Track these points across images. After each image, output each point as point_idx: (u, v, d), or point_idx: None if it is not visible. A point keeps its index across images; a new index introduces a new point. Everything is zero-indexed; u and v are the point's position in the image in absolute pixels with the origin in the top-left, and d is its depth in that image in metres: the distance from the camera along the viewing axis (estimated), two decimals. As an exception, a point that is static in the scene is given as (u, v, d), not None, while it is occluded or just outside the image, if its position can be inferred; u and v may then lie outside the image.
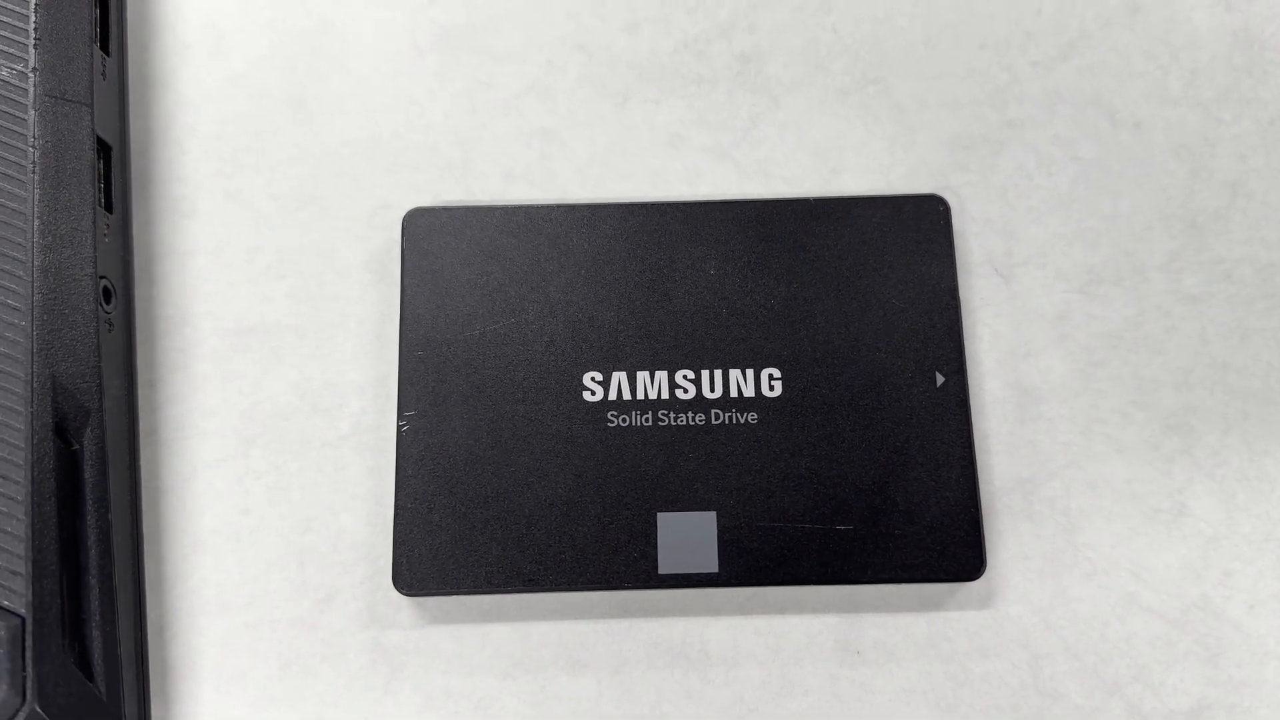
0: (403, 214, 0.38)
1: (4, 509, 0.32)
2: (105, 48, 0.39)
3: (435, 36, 0.40)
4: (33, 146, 0.35)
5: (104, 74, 0.38)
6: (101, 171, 0.37)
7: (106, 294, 0.36)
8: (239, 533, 0.36)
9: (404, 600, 0.36)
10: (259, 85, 0.40)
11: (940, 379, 0.36)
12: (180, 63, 0.40)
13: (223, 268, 0.38)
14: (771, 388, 0.36)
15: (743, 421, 0.36)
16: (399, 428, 0.36)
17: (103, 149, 0.38)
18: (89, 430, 0.34)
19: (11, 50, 0.36)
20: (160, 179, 0.39)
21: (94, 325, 0.35)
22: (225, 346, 0.38)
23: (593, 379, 0.36)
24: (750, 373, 0.36)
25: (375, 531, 0.36)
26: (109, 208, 0.38)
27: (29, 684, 0.31)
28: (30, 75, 0.36)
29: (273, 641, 0.36)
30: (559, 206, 0.38)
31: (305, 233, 0.39)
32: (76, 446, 0.34)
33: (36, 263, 0.34)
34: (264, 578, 0.36)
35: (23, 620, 0.32)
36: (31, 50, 0.36)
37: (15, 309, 0.34)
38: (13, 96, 0.36)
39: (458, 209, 0.38)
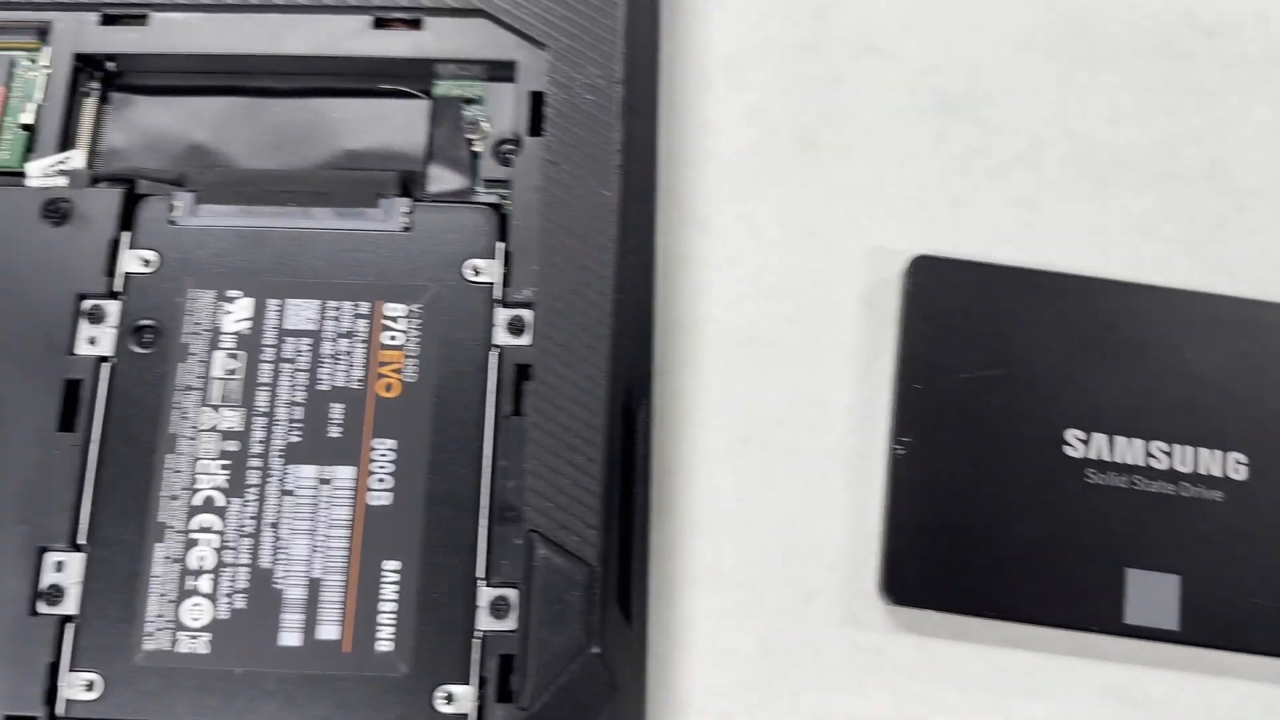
0: (896, 257, 0.41)
1: (585, 470, 0.36)
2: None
3: (936, 101, 0.44)
4: (618, 151, 0.39)
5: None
6: (648, 181, 0.41)
7: (653, 290, 0.40)
8: (734, 519, 0.40)
9: (880, 607, 0.39)
10: (773, 123, 0.44)
11: (1393, 484, 0.39)
12: (702, 91, 0.44)
13: (731, 282, 0.42)
14: (1236, 470, 0.39)
15: (1209, 498, 0.39)
16: (894, 451, 0.39)
17: (650, 160, 0.41)
18: (642, 409, 0.38)
19: (604, 60, 0.40)
20: (680, 194, 0.43)
21: (650, 315, 0.39)
22: (729, 353, 0.41)
23: (1075, 436, 0.39)
24: (1218, 454, 0.39)
25: (855, 541, 0.39)
26: (652, 212, 0.41)
27: (593, 628, 0.35)
28: (616, 86, 0.39)
29: (759, 623, 0.39)
30: (1053, 274, 0.41)
31: (807, 261, 0.42)
32: (635, 422, 0.37)
33: (616, 256, 0.38)
34: (754, 564, 0.39)
35: (592, 570, 0.35)
36: (619, 63, 0.40)
37: (603, 294, 0.37)
38: (602, 103, 0.39)
39: (959, 262, 0.41)
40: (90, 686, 0.35)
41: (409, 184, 0.40)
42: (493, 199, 0.40)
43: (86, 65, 0.41)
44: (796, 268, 0.42)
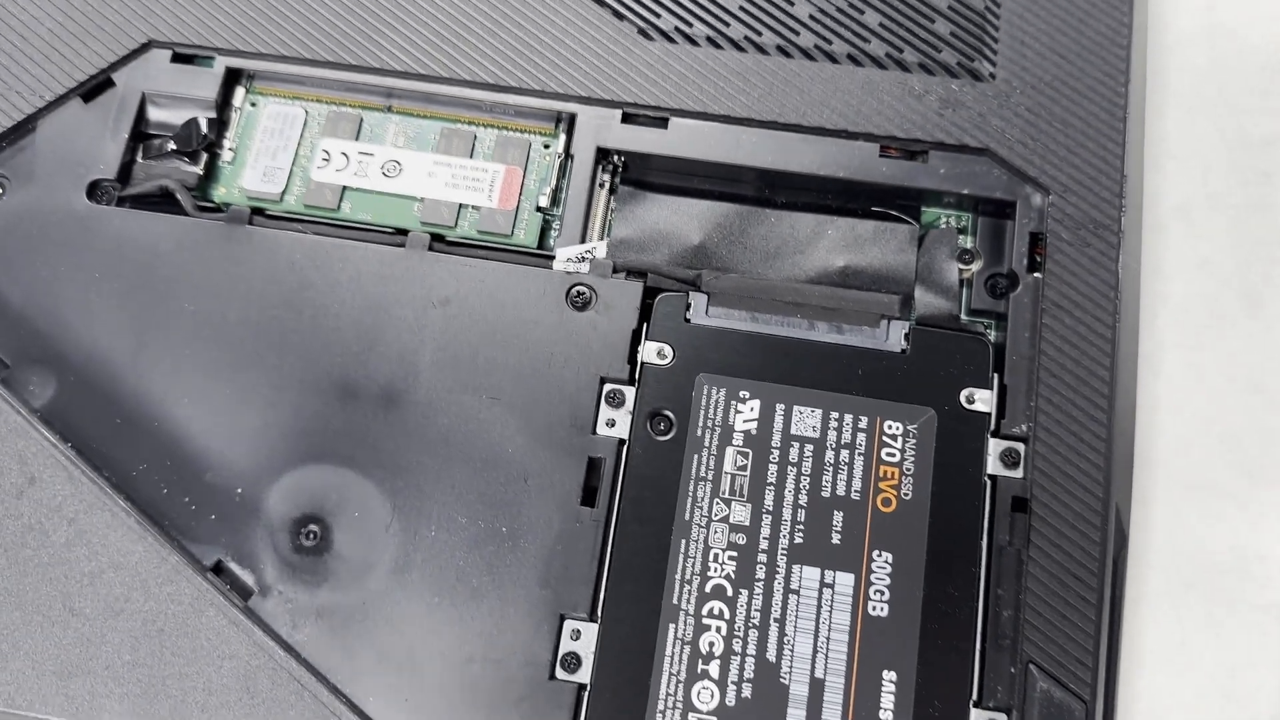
0: (1338, 422, 0.41)
1: (1083, 608, 0.36)
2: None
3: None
4: (1116, 295, 0.39)
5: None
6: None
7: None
8: (1175, 661, 0.39)
9: (1316, 764, 0.38)
10: (1221, 275, 0.44)
11: None
12: (1154, 236, 0.44)
13: (1179, 426, 0.42)
14: None
15: None
16: (1346, 616, 0.39)
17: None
18: (1125, 549, 0.38)
19: (1105, 204, 0.40)
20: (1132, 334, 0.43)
21: (1131, 455, 0.39)
22: (1176, 497, 0.41)
23: None
24: None
25: (1293, 696, 0.39)
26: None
27: (1085, 762, 0.35)
28: (1117, 233, 0.40)
29: (1198, 766, 0.39)
30: None
31: (1252, 415, 0.42)
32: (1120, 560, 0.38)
33: (1110, 399, 0.38)
34: (1192, 707, 0.39)
35: (1088, 706, 0.35)
36: (1120, 208, 0.40)
37: (1099, 437, 0.37)
38: (1102, 248, 0.39)
39: None
40: (600, 753, 0.35)
41: (906, 307, 0.40)
42: (978, 328, 0.40)
43: (600, 158, 0.42)
44: (1242, 420, 0.42)
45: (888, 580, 0.37)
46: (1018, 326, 0.39)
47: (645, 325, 0.40)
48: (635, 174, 0.42)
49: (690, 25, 0.42)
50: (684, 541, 0.37)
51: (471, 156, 0.42)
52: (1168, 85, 0.46)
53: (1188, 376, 0.43)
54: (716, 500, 0.38)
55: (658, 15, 0.43)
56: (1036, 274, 0.40)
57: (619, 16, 0.43)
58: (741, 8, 0.43)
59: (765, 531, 0.37)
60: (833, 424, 0.38)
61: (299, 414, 0.39)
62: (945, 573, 0.37)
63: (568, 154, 0.42)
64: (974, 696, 0.36)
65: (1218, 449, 0.42)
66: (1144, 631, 0.40)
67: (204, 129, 0.42)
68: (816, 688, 0.36)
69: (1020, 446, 0.38)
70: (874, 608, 0.37)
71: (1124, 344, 0.39)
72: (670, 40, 0.42)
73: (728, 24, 0.42)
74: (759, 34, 0.42)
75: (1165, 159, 0.45)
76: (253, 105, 0.43)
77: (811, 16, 0.42)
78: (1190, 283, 0.44)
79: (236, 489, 0.38)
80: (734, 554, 0.37)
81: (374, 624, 0.37)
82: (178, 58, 0.43)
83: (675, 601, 0.37)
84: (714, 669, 0.36)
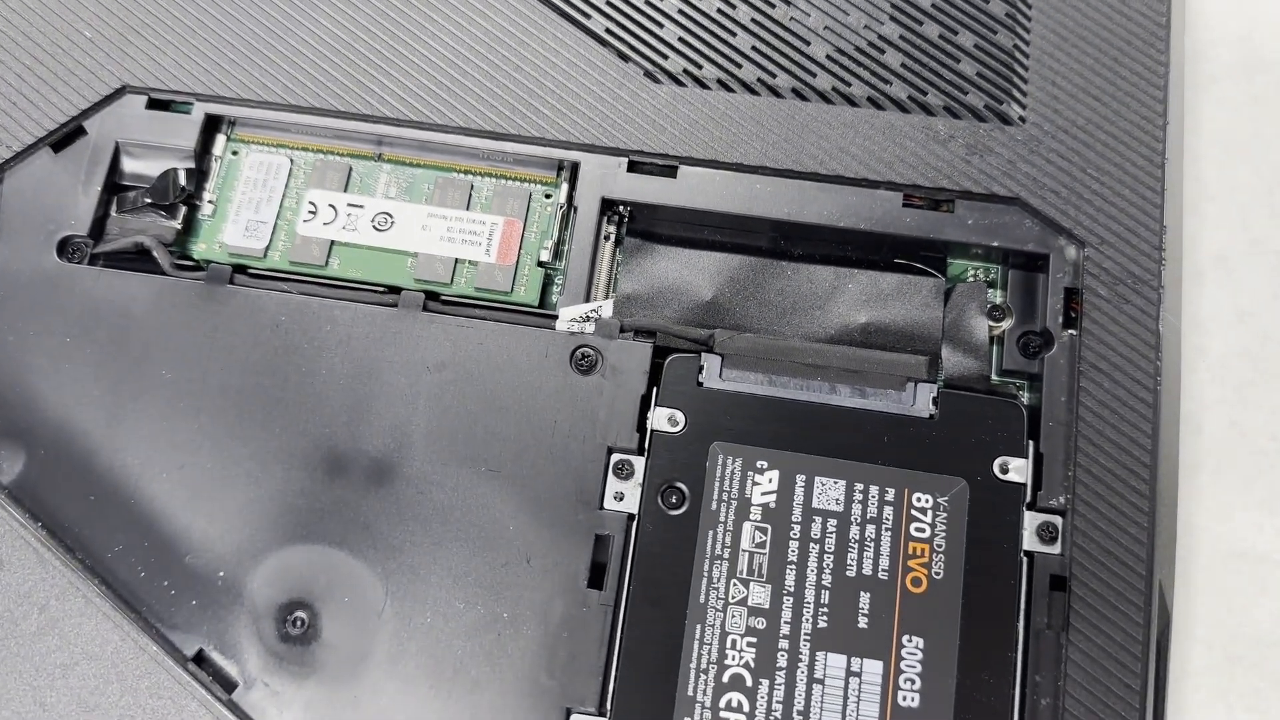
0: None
1: (1127, 698, 0.33)
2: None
3: None
4: (1158, 356, 0.36)
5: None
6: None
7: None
8: (1224, 745, 0.37)
9: None
10: (1263, 327, 0.41)
11: None
12: (1191, 286, 0.41)
13: (1221, 490, 0.39)
14: None
15: None
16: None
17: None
18: (1168, 634, 0.35)
19: (1144, 258, 0.37)
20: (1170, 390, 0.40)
21: (1175, 526, 0.36)
22: (1217, 565, 0.38)
23: None
24: None
25: (1349, 780, 0.36)
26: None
27: None
28: (1158, 289, 0.37)
29: None
30: None
31: (1298, 477, 0.39)
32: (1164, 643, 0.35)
33: (1153, 469, 0.35)
34: (1245, 795, 0.36)
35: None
36: (1160, 262, 0.37)
37: (1140, 510, 0.35)
38: (1142, 306, 0.37)
39: None
40: None
41: (935, 368, 0.37)
42: (1010, 390, 0.37)
43: (605, 208, 0.39)
44: (1289, 482, 0.39)
45: (919, 668, 0.34)
46: (1053, 389, 0.36)
47: (655, 390, 0.37)
48: (642, 225, 0.40)
49: (700, 67, 0.40)
50: (699, 626, 0.35)
51: (468, 208, 0.39)
52: (1202, 125, 0.43)
53: (1230, 436, 0.40)
54: (733, 581, 0.35)
55: (665, 57, 0.40)
56: (1072, 331, 0.37)
57: (624, 58, 0.40)
58: (754, 48, 0.40)
59: (786, 615, 0.35)
60: (857, 496, 0.36)
61: (285, 490, 0.36)
62: (979, 659, 0.34)
63: (571, 205, 0.39)
64: (1012, 794, 0.33)
65: (1263, 513, 0.39)
66: (1187, 710, 0.37)
67: (182, 180, 0.39)
68: (843, 786, 0.33)
69: (1058, 520, 0.35)
70: (904, 697, 0.34)
71: (1166, 407, 0.36)
72: (679, 83, 0.39)
73: (740, 66, 0.40)
74: (773, 76, 0.39)
75: (1203, 203, 0.42)
76: (234, 154, 0.40)
77: (829, 57, 0.40)
78: (1230, 335, 0.41)
79: (218, 572, 0.35)
80: (753, 640, 0.34)
81: (366, 718, 0.34)
82: (153, 104, 0.40)
83: (690, 693, 0.34)
84: (733, 766, 0.33)
